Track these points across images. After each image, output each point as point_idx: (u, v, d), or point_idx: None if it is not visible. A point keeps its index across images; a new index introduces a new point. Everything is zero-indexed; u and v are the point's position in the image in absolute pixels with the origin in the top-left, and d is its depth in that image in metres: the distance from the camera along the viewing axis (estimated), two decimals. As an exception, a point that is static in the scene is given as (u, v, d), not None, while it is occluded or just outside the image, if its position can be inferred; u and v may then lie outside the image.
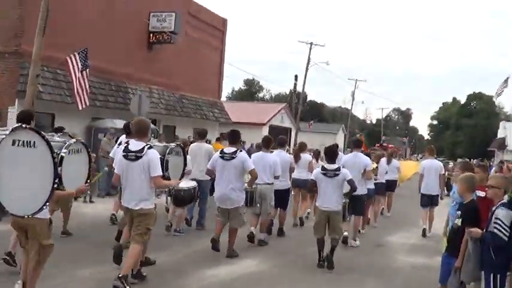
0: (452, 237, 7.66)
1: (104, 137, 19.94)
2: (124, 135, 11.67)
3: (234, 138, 11.29)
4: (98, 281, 8.71)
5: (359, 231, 14.02)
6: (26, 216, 6.07)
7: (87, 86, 18.59)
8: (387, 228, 16.47)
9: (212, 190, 12.30)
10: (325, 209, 10.83)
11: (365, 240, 13.78)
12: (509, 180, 7.53)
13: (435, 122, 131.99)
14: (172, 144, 9.62)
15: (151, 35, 27.93)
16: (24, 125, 6.06)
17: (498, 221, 6.81)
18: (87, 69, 18.32)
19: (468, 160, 32.37)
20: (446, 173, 32.61)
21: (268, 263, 10.93)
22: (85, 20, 22.99)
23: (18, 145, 5.83)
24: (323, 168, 10.98)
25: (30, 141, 5.99)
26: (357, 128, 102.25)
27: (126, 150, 8.31)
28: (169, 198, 13.13)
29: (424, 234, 15.22)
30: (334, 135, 73.40)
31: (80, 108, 18.31)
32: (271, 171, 12.31)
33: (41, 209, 6.20)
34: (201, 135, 14.43)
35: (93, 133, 23.13)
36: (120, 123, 23.20)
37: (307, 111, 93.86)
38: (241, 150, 11.10)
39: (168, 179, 8.74)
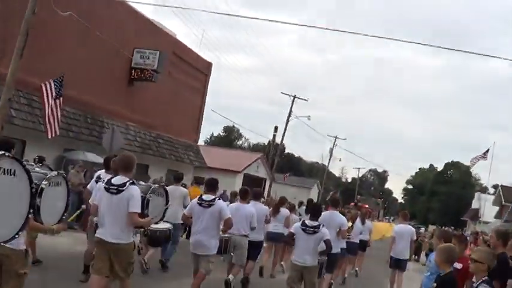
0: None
1: (73, 169, 19.38)
2: (103, 170, 11.25)
3: (212, 186, 11.12)
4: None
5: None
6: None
7: (59, 115, 18.08)
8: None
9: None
10: (299, 264, 10.69)
11: None
12: (494, 255, 7.03)
13: (410, 187, 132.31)
14: (156, 185, 9.57)
15: (133, 71, 27.65)
16: (7, 154, 5.99)
17: None
18: (61, 98, 17.81)
19: (444, 227, 32.00)
20: (418, 239, 32.53)
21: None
22: (67, 48, 22.78)
23: None
24: (303, 224, 10.86)
25: (10, 170, 5.92)
26: (332, 185, 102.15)
27: (109, 183, 8.26)
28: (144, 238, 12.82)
29: None
30: (308, 190, 73.22)
31: (50, 136, 17.78)
32: (247, 223, 12.17)
33: (13, 238, 6.05)
34: (177, 179, 14.38)
35: (63, 164, 22.58)
36: (91, 157, 22.84)
37: (283, 163, 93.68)
38: (219, 198, 10.97)
39: (147, 217, 8.61)
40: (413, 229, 16.64)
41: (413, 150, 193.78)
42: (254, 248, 13.18)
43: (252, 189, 13.99)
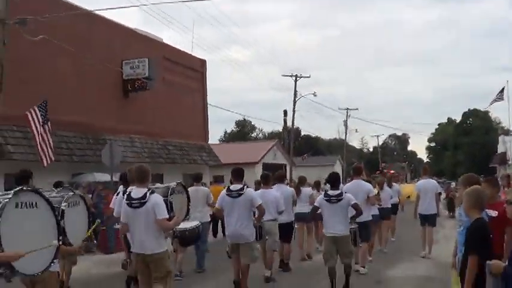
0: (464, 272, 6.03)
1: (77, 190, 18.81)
2: (121, 186, 11.36)
3: (238, 175, 11.21)
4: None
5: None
6: (35, 275, 6.25)
7: (51, 141, 17.44)
8: (392, 258, 15.29)
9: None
10: (332, 235, 10.73)
11: (368, 273, 12.60)
12: None
13: (433, 144, 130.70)
14: (173, 184, 9.81)
15: (126, 83, 27.07)
16: (25, 187, 6.30)
17: None
18: (49, 122, 17.15)
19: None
20: (450, 194, 31.66)
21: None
22: (54, 75, 22.34)
23: (21, 207, 6.06)
24: (326, 195, 10.90)
25: (32, 202, 6.20)
26: (354, 157, 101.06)
27: (129, 198, 8.38)
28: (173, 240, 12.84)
29: (424, 256, 15.11)
30: (331, 167, 71.97)
31: (45, 164, 17.11)
32: (274, 207, 12.23)
33: (49, 266, 6.35)
34: (196, 179, 14.59)
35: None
36: (101, 177, 22.19)
37: (302, 146, 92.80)
38: (247, 187, 11.07)
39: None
40: (436, 182, 16.64)
41: (428, 107, 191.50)
42: (286, 230, 13.35)
43: (273, 173, 14.16)
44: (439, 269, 13.22)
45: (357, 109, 74.05)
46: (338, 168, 73.83)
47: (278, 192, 12.92)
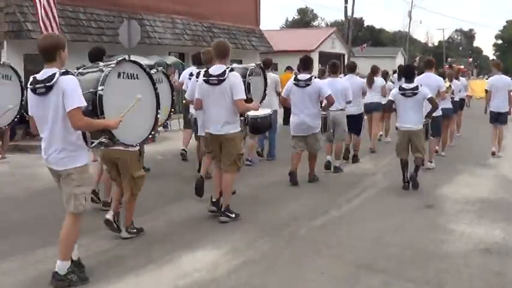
0: None
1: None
2: (194, 67, 11.34)
3: (306, 64, 11.19)
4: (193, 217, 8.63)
5: (437, 152, 13.94)
6: (135, 145, 6.56)
7: (55, 14, 15.26)
8: (451, 168, 13.03)
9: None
10: (406, 129, 10.73)
11: (420, 191, 10.51)
12: None
13: (500, 42, 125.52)
14: (252, 65, 9.75)
15: (168, -45, 24.70)
16: (127, 58, 6.52)
17: None
18: (54, -6, 15.03)
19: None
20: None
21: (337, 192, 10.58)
22: None
23: (123, 77, 6.22)
24: (401, 88, 10.82)
25: (133, 74, 6.37)
26: (418, 51, 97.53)
27: (207, 74, 8.20)
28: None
29: (493, 154, 14.60)
30: (392, 59, 69.01)
31: (47, 42, 15.03)
32: (342, 97, 12.17)
33: (146, 138, 6.64)
34: (266, 65, 13.48)
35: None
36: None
37: (364, 37, 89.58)
38: (315, 77, 11.14)
39: (251, 100, 8.78)
40: (509, 79, 15.56)
41: (497, 3, 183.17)
42: (355, 122, 13.48)
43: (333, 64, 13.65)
44: (506, 190, 10.79)
45: (422, -1, 71.62)
46: (400, 61, 70.83)
47: (348, 82, 12.88)
